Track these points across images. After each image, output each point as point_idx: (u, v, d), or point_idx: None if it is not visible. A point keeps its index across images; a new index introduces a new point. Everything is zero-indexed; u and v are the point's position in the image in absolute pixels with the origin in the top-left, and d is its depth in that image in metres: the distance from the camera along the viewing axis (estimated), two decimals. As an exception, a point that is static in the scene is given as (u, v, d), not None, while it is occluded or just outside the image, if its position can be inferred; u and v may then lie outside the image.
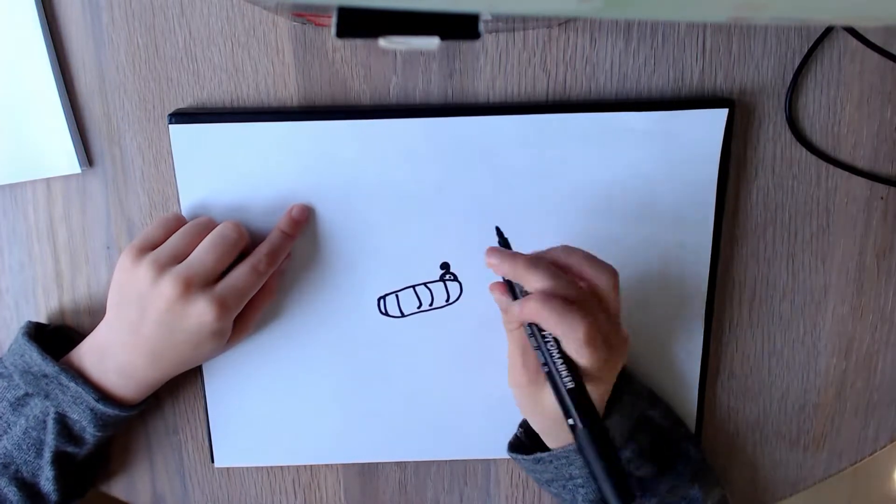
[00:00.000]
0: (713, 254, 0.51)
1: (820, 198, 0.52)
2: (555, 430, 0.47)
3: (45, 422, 0.48)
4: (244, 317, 0.49)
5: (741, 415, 0.56)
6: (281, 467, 0.57)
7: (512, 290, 0.45)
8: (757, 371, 0.55)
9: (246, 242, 0.48)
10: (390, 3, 0.25)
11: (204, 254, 0.46)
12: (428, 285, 0.52)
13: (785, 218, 0.52)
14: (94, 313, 0.54)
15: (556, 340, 0.42)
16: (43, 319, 0.54)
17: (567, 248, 0.45)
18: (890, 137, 0.51)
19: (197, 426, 0.56)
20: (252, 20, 0.49)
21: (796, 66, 0.50)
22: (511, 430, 0.54)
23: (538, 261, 0.43)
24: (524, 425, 0.53)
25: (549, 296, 0.41)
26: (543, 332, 0.42)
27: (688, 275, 0.52)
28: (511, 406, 0.53)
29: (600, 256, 0.51)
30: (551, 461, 0.47)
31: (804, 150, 0.51)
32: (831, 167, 0.51)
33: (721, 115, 0.49)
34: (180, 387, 0.55)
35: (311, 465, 0.57)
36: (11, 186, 0.52)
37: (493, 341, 0.50)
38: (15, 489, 0.49)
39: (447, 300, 0.52)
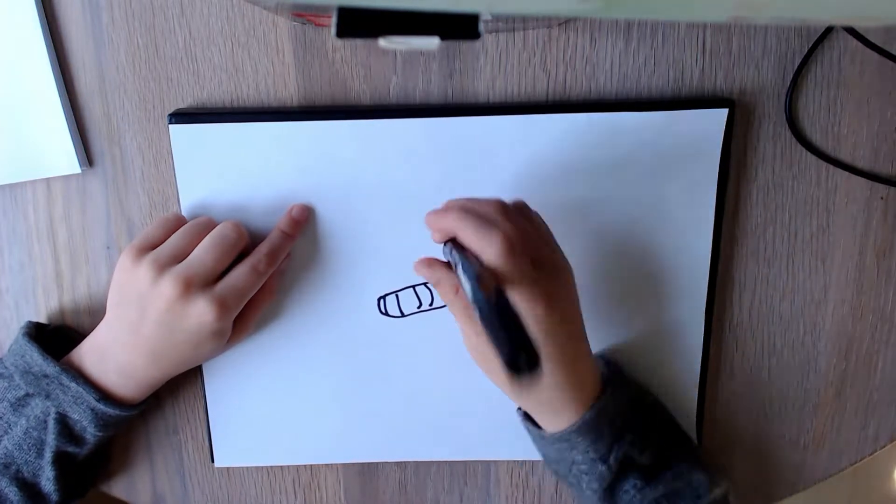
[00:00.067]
0: (713, 254, 0.51)
1: (820, 198, 0.52)
2: (543, 408, 0.47)
3: (45, 422, 0.48)
4: (244, 317, 0.49)
5: (741, 415, 0.56)
6: (281, 467, 0.57)
7: (444, 263, 0.45)
8: (757, 371, 0.55)
9: (246, 242, 0.48)
10: (390, 3, 0.25)
11: (204, 254, 0.46)
12: (428, 285, 0.52)
13: (785, 218, 0.52)
14: (94, 313, 0.54)
15: (477, 259, 0.41)
16: (43, 319, 0.54)
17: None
18: (890, 137, 0.51)
19: (197, 426, 0.56)
20: (252, 20, 0.49)
21: (796, 66, 0.50)
22: (511, 430, 0.54)
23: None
24: None
25: (469, 209, 0.43)
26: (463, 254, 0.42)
27: (688, 275, 0.52)
28: (511, 406, 0.53)
29: (600, 256, 0.51)
30: (553, 443, 0.47)
31: (804, 150, 0.51)
32: (831, 167, 0.51)
33: (721, 115, 0.49)
34: (180, 387, 0.55)
35: (311, 465, 0.57)
36: (11, 186, 0.52)
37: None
38: (16, 489, 0.49)
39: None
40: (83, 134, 0.51)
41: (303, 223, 0.50)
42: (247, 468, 0.57)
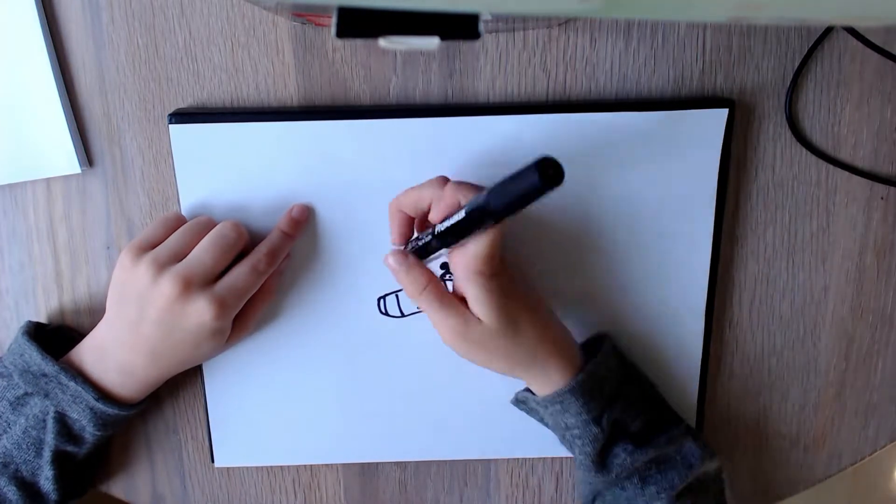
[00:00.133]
0: (713, 254, 0.51)
1: (820, 198, 0.52)
2: (531, 369, 0.47)
3: (44, 421, 0.48)
4: (243, 316, 0.49)
5: (741, 415, 0.56)
6: (281, 467, 0.57)
7: (415, 255, 0.46)
8: (757, 371, 0.55)
9: (245, 242, 0.48)
10: (390, 3, 0.25)
11: (203, 253, 0.46)
12: (428, 285, 0.52)
13: (785, 218, 0.52)
14: (94, 313, 0.54)
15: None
16: (43, 319, 0.54)
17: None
18: (890, 137, 0.51)
19: (197, 426, 0.56)
20: (252, 20, 0.49)
21: (796, 66, 0.50)
22: (510, 429, 0.54)
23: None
24: None
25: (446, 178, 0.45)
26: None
27: (688, 275, 0.52)
28: (511, 406, 0.53)
29: (599, 256, 0.51)
30: (546, 406, 0.48)
31: (804, 150, 0.51)
32: (831, 167, 0.51)
33: (721, 115, 0.49)
34: (180, 387, 0.55)
35: (311, 465, 0.57)
36: (11, 186, 0.52)
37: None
38: (14, 488, 0.49)
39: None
40: (83, 134, 0.51)
41: (303, 223, 0.50)
42: (247, 468, 0.57)
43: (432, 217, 0.45)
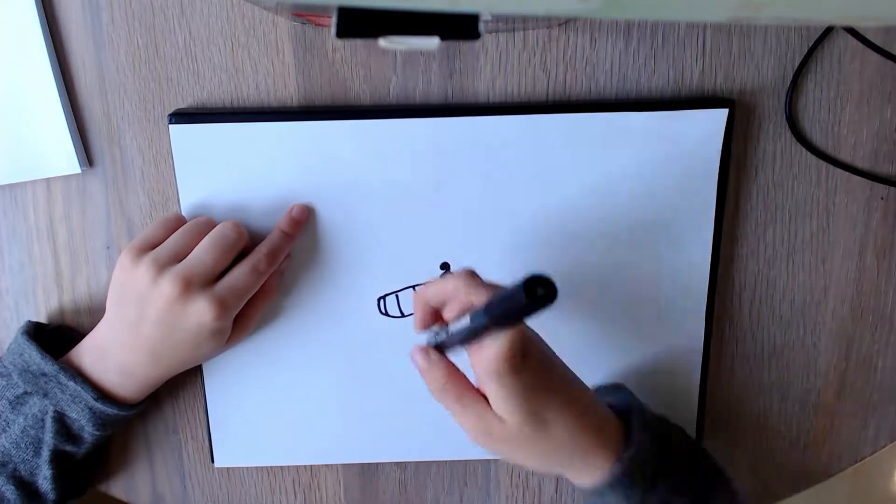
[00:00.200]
0: (713, 254, 0.51)
1: (820, 198, 0.52)
2: (568, 467, 0.44)
3: (43, 420, 0.48)
4: (244, 316, 0.49)
5: (741, 415, 0.56)
6: (281, 467, 0.57)
7: (437, 350, 0.44)
8: (757, 371, 0.55)
9: (245, 242, 0.48)
10: (390, 3, 0.25)
11: (203, 253, 0.46)
12: (428, 285, 0.52)
13: (785, 218, 0.52)
14: (94, 313, 0.54)
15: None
16: (43, 319, 0.54)
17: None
18: (890, 137, 0.51)
19: (197, 426, 0.56)
20: (252, 20, 0.49)
21: (796, 66, 0.50)
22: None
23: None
24: None
25: (470, 274, 0.43)
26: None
27: (688, 275, 0.52)
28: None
29: (600, 257, 0.51)
30: (587, 498, 0.45)
31: (804, 150, 0.51)
32: (831, 167, 0.51)
33: (721, 115, 0.49)
34: (180, 387, 0.55)
35: (311, 465, 0.57)
36: (11, 186, 0.52)
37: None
38: (13, 488, 0.49)
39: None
40: (83, 134, 0.51)
41: (303, 223, 0.50)
42: (247, 468, 0.57)
43: (445, 314, 0.44)
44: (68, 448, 0.49)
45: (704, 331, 0.53)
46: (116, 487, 0.57)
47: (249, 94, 0.50)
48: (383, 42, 0.28)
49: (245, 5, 0.49)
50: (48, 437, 0.48)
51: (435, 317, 0.46)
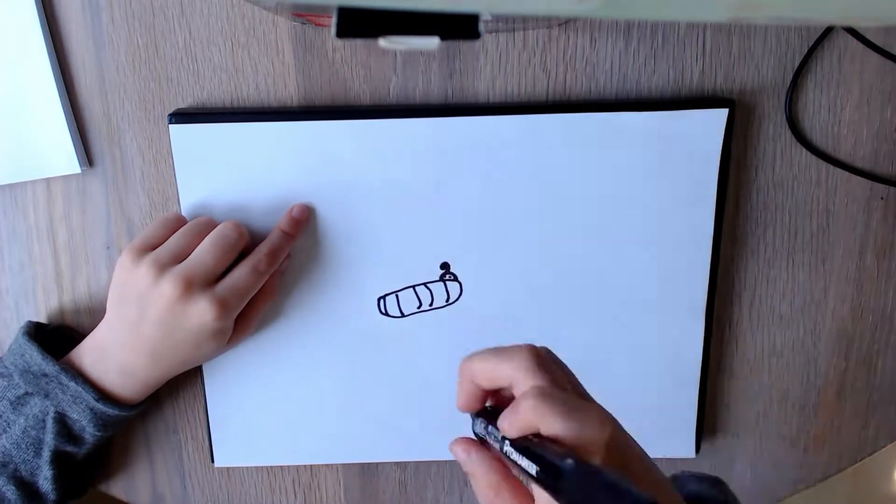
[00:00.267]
0: (713, 254, 0.51)
1: (820, 198, 0.52)
2: None
3: (44, 421, 0.48)
4: (244, 317, 0.49)
5: (741, 415, 0.56)
6: (281, 467, 0.57)
7: (480, 445, 0.36)
8: (757, 371, 0.55)
9: (246, 242, 0.48)
10: (390, 3, 0.25)
11: (204, 254, 0.46)
12: (428, 285, 0.52)
13: (785, 218, 0.52)
14: (94, 313, 0.54)
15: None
16: (43, 319, 0.54)
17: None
18: (890, 137, 0.51)
19: (197, 426, 0.56)
20: (252, 20, 0.49)
21: (796, 66, 0.50)
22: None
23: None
24: None
25: (546, 390, 0.32)
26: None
27: (688, 275, 0.52)
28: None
29: (599, 256, 0.51)
30: None
31: (804, 150, 0.51)
32: (831, 167, 0.51)
33: (721, 115, 0.49)
34: (180, 387, 0.55)
35: (311, 465, 0.57)
36: (11, 186, 0.52)
37: (493, 341, 0.49)
38: (13, 488, 0.49)
39: (447, 300, 0.52)
40: (83, 134, 0.51)
41: (303, 223, 0.50)
42: (247, 468, 0.57)
43: (502, 425, 0.34)
44: (69, 448, 0.49)
45: (704, 331, 0.53)
46: (116, 487, 0.57)
47: (249, 94, 0.50)
48: (383, 42, 0.28)
49: (245, 5, 0.49)
50: (49, 438, 0.48)
51: (479, 398, 0.37)
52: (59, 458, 0.49)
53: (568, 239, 0.51)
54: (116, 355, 0.48)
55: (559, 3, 0.24)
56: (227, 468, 0.57)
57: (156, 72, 0.50)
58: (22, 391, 0.48)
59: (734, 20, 0.24)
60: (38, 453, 0.49)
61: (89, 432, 0.49)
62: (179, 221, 0.49)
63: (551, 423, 0.31)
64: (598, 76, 0.50)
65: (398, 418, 0.54)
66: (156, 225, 0.48)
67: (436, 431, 0.55)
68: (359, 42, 0.49)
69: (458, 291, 0.52)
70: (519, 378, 0.33)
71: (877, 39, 0.49)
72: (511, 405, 0.33)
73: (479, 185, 0.50)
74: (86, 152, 0.51)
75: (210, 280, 0.46)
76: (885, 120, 0.51)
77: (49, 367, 0.47)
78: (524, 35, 0.49)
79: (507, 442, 0.33)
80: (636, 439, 0.34)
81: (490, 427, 0.35)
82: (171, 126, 0.49)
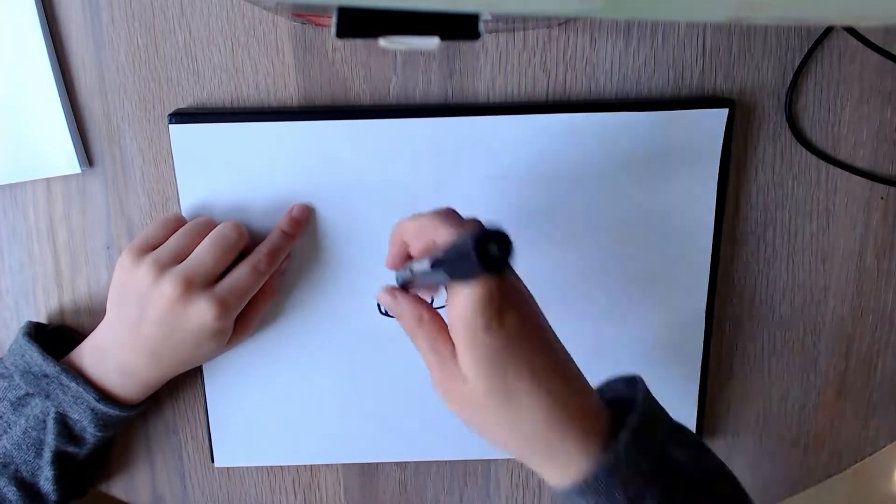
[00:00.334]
0: (713, 254, 0.51)
1: (820, 198, 0.52)
2: (533, 451, 0.38)
3: (45, 422, 0.48)
4: (244, 317, 0.49)
5: (741, 415, 0.56)
6: (281, 467, 0.57)
7: (405, 292, 0.41)
8: (757, 371, 0.55)
9: (246, 242, 0.48)
10: (390, 3, 0.25)
11: (204, 254, 0.46)
12: (428, 285, 0.52)
13: (785, 218, 0.52)
14: (94, 313, 0.54)
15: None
16: (43, 319, 0.54)
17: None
18: (890, 137, 0.51)
19: (197, 426, 0.56)
20: (252, 20, 0.49)
21: (796, 66, 0.50)
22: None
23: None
24: None
25: (440, 211, 0.39)
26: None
27: (688, 275, 0.52)
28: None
29: (599, 256, 0.51)
30: (558, 498, 0.38)
31: (804, 150, 0.51)
32: (831, 167, 0.51)
33: (721, 115, 0.49)
34: (180, 387, 0.55)
35: (311, 465, 0.57)
36: (11, 186, 0.52)
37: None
38: (14, 489, 0.49)
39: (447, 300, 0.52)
40: (83, 134, 0.51)
41: (303, 223, 0.50)
42: (247, 468, 0.57)
43: (411, 250, 0.40)
44: (70, 449, 0.49)
45: (704, 330, 0.53)
46: (117, 488, 0.57)
47: (249, 94, 0.50)
48: (383, 42, 0.28)
49: (245, 5, 0.49)
50: (50, 439, 0.48)
51: (407, 255, 0.42)
52: (60, 459, 0.49)
53: (568, 238, 0.51)
54: (117, 355, 0.48)
55: (559, 3, 0.24)
56: (227, 468, 0.57)
57: (156, 72, 0.50)
58: (23, 392, 0.48)
59: (734, 20, 0.24)
60: (39, 454, 0.49)
61: (90, 433, 0.49)
62: (179, 222, 0.49)
63: (443, 232, 0.37)
64: (598, 76, 0.50)
65: (398, 418, 0.54)
66: (156, 225, 0.48)
67: (436, 431, 0.55)
68: (359, 42, 0.49)
69: (458, 291, 0.52)
70: (429, 223, 0.38)
71: (877, 39, 0.49)
72: (419, 230, 0.39)
73: (479, 185, 0.50)
74: (86, 152, 0.51)
75: (210, 280, 0.46)
76: (885, 120, 0.51)
77: (50, 367, 0.47)
78: (524, 35, 0.49)
79: (413, 263, 0.39)
80: None
81: (407, 266, 0.41)
82: (171, 126, 0.49)
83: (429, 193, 0.50)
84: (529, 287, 0.39)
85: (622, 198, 0.50)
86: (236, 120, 0.49)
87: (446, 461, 0.57)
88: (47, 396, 0.48)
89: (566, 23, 0.49)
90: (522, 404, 0.36)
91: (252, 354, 0.53)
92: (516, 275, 0.38)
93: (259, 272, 0.47)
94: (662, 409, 0.40)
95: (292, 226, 0.49)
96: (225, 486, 0.58)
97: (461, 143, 0.49)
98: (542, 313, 0.39)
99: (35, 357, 0.48)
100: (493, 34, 0.49)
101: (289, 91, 0.50)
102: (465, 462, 0.57)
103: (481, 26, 0.28)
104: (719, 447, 0.57)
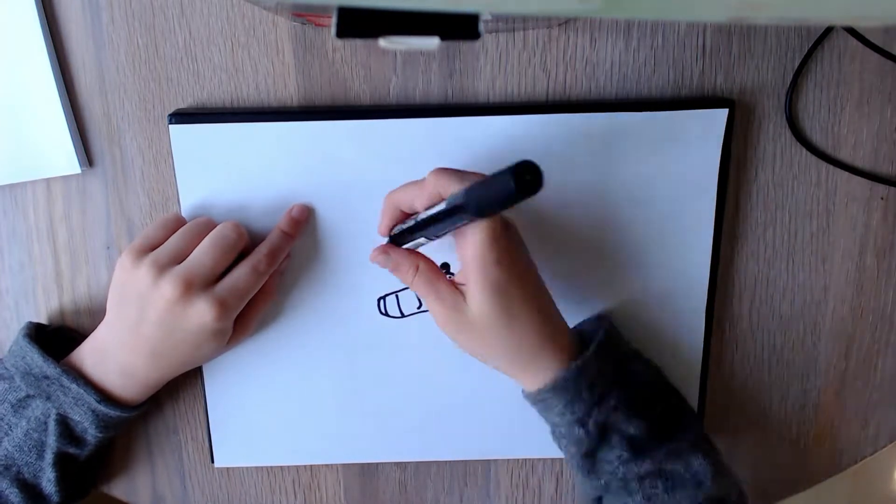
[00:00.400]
0: (713, 254, 0.51)
1: (820, 198, 0.52)
2: (521, 363, 0.45)
3: (46, 423, 0.48)
4: (244, 317, 0.49)
5: (741, 415, 0.56)
6: (281, 467, 0.57)
7: (395, 244, 0.47)
8: (757, 371, 0.55)
9: (245, 242, 0.48)
10: (390, 3, 0.25)
11: (203, 254, 0.46)
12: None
13: (785, 218, 0.52)
14: (94, 313, 0.54)
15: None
16: (43, 320, 0.54)
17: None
18: (890, 137, 0.51)
19: (197, 426, 0.56)
20: (252, 20, 0.49)
21: (796, 66, 0.50)
22: (510, 429, 0.54)
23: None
24: None
25: (442, 168, 0.43)
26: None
27: (688, 275, 0.52)
28: (511, 406, 0.53)
29: (600, 256, 0.51)
30: (533, 403, 0.47)
31: (804, 150, 0.51)
32: (831, 167, 0.51)
33: (721, 115, 0.49)
34: (180, 387, 0.55)
35: (311, 465, 0.57)
36: (11, 186, 0.52)
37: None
38: (17, 491, 0.49)
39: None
40: (83, 134, 0.51)
41: (303, 223, 0.50)
42: (247, 468, 0.57)
43: (416, 205, 0.44)
44: (71, 450, 0.49)
45: (704, 331, 0.53)
46: (117, 488, 0.57)
47: (249, 94, 0.50)
48: (383, 42, 0.28)
49: (245, 5, 0.49)
50: (51, 440, 0.48)
51: (399, 223, 0.47)
52: (61, 460, 0.49)
53: (567, 239, 0.51)
54: (117, 356, 0.48)
55: (559, 3, 0.24)
56: (227, 468, 0.57)
57: (156, 72, 0.50)
58: (23, 394, 0.48)
59: (734, 20, 0.24)
60: (40, 455, 0.49)
61: (91, 434, 0.49)
62: (179, 222, 0.49)
63: (448, 185, 0.41)
64: (598, 76, 0.50)
65: (398, 418, 0.54)
66: (155, 225, 0.48)
67: (436, 431, 0.55)
68: (359, 42, 0.49)
69: (458, 291, 0.52)
70: (430, 181, 0.43)
71: (877, 39, 0.49)
72: (419, 188, 0.43)
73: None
74: (86, 152, 0.51)
75: (209, 280, 0.46)
76: (885, 120, 0.51)
77: (50, 369, 0.47)
78: (524, 35, 0.49)
79: (420, 214, 0.43)
80: None
81: (405, 221, 0.45)
82: (171, 126, 0.49)
83: (429, 193, 0.50)
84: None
85: (622, 198, 0.50)
86: (236, 120, 0.49)
87: (446, 461, 0.57)
88: (48, 398, 0.48)
89: (566, 23, 0.49)
90: (520, 326, 0.43)
91: (252, 354, 0.53)
92: (514, 224, 0.45)
93: (259, 272, 0.47)
94: (623, 337, 0.50)
95: (292, 226, 0.49)
96: (225, 486, 0.58)
97: (461, 143, 0.49)
98: (525, 243, 0.46)
99: (35, 358, 0.48)
100: (493, 34, 0.49)
101: (289, 91, 0.50)
102: (465, 462, 0.57)
103: (481, 26, 0.28)
104: (720, 447, 0.56)
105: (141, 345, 0.47)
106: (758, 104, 0.50)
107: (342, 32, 0.27)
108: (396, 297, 0.52)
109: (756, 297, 0.54)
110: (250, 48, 0.50)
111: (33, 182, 0.52)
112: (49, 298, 0.54)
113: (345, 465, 0.57)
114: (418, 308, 0.52)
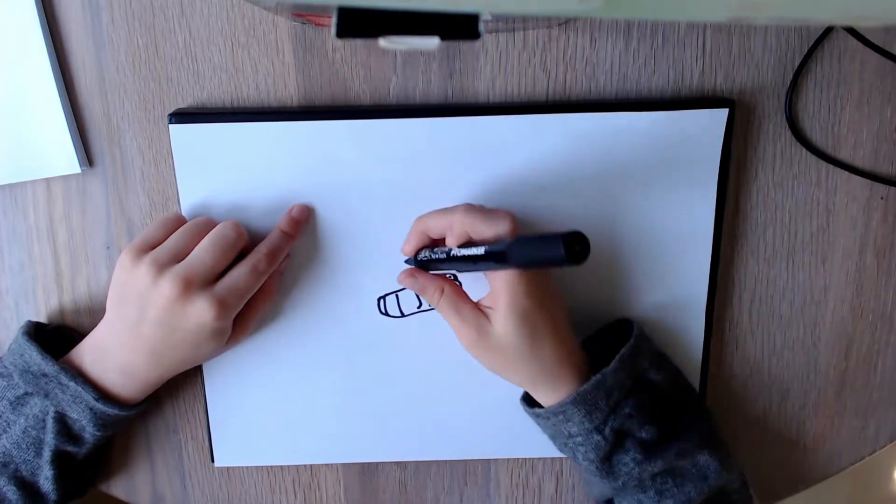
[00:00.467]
0: (713, 253, 0.51)
1: (820, 198, 0.52)
2: (541, 382, 0.47)
3: (44, 421, 0.48)
4: (244, 317, 0.49)
5: (741, 415, 0.56)
6: (281, 467, 0.57)
7: (423, 269, 0.48)
8: (757, 371, 0.55)
9: (245, 242, 0.48)
10: (390, 3, 0.25)
11: (203, 253, 0.46)
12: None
13: (785, 218, 0.52)
14: (94, 313, 0.54)
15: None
16: (43, 319, 0.54)
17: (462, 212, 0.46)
18: (890, 137, 0.51)
19: (197, 426, 0.56)
20: (252, 20, 0.49)
21: (796, 66, 0.50)
22: (510, 428, 0.54)
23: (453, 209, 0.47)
24: None
25: (470, 205, 0.47)
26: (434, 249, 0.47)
27: (688, 274, 0.52)
28: (511, 406, 0.53)
29: (600, 256, 0.51)
30: (548, 417, 0.48)
31: (804, 150, 0.51)
32: (831, 167, 0.51)
33: (721, 115, 0.49)
34: (180, 387, 0.55)
35: (311, 465, 0.57)
36: (11, 186, 0.52)
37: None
38: (14, 488, 0.49)
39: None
40: (83, 134, 0.51)
41: (303, 223, 0.50)
42: (247, 468, 0.57)
43: (448, 242, 0.46)
44: (69, 448, 0.49)
45: (704, 331, 0.53)
46: (117, 487, 0.57)
47: (249, 94, 0.50)
48: (383, 42, 0.28)
49: (245, 5, 0.49)
50: (49, 438, 0.48)
51: (425, 246, 0.49)
52: (59, 458, 0.49)
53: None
54: (116, 355, 0.48)
55: (559, 3, 0.24)
56: (227, 468, 0.57)
57: (156, 72, 0.50)
58: (22, 391, 0.48)
59: (734, 20, 0.24)
60: (38, 453, 0.49)
61: (89, 432, 0.49)
62: (179, 221, 0.49)
63: (477, 227, 0.44)
64: (598, 76, 0.50)
65: (398, 418, 0.54)
66: (155, 225, 0.49)
67: (436, 431, 0.55)
68: (359, 42, 0.49)
69: (458, 291, 0.52)
70: (460, 219, 0.45)
71: (877, 39, 0.49)
72: (448, 228, 0.46)
73: (480, 185, 0.50)
74: (86, 152, 0.51)
75: (209, 280, 0.46)
76: (885, 120, 0.51)
77: (48, 366, 0.47)
78: (524, 35, 0.49)
79: (453, 250, 0.45)
80: None
81: (433, 249, 0.47)
82: (171, 126, 0.49)
83: (429, 193, 0.50)
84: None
85: (622, 198, 0.50)
86: (236, 120, 0.49)
87: (446, 461, 0.57)
88: (46, 396, 0.48)
89: (566, 23, 0.49)
90: (542, 349, 0.46)
91: (252, 354, 0.53)
92: None
93: (258, 272, 0.47)
94: (649, 339, 0.51)
95: (292, 226, 0.49)
96: (225, 485, 0.58)
97: (461, 143, 0.49)
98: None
99: (34, 356, 0.48)
100: (493, 34, 0.49)
101: (289, 91, 0.50)
102: (465, 462, 0.57)
103: (481, 26, 0.28)
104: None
105: (140, 343, 0.47)
106: (758, 104, 0.50)
107: (342, 32, 0.27)
108: (396, 296, 0.52)
109: (756, 297, 0.54)
110: (250, 48, 0.50)
111: (33, 182, 0.52)
112: (49, 298, 0.54)
113: (345, 465, 0.57)
114: (418, 308, 0.52)
